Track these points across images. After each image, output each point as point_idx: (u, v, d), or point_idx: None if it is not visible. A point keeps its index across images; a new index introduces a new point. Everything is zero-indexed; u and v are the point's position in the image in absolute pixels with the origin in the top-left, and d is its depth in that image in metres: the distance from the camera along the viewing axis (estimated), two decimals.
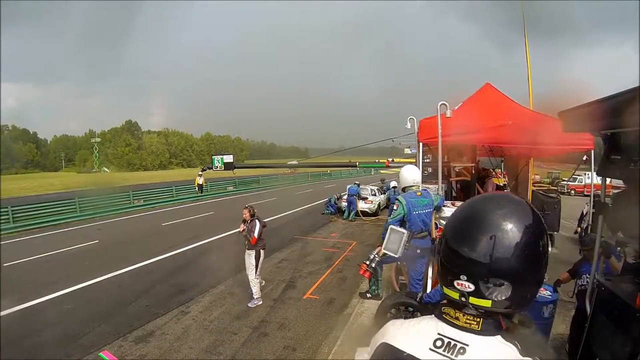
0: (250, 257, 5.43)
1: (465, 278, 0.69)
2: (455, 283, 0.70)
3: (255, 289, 5.49)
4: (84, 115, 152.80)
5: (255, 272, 5.43)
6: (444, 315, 0.72)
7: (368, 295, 5.33)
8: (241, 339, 4.45)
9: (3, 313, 5.15)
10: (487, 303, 0.68)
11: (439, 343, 0.68)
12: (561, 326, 3.74)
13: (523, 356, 0.65)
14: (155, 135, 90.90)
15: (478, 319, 0.69)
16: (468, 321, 0.69)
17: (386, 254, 3.88)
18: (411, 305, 3.14)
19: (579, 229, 9.03)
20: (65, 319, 5.03)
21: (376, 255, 3.87)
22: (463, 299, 0.70)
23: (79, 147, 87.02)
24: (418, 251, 3.64)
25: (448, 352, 0.66)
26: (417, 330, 0.72)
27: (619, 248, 2.13)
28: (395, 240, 1.79)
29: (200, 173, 20.40)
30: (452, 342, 0.67)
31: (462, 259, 0.69)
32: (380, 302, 3.92)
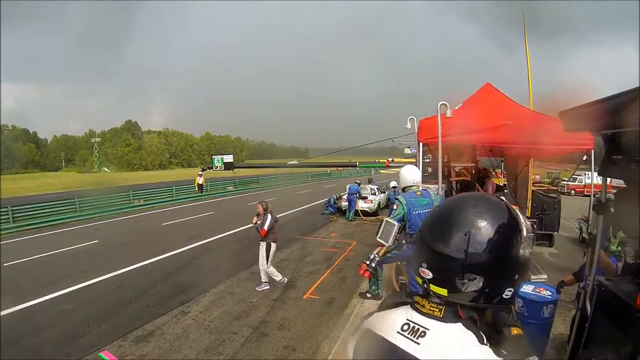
0: (262, 248, 5.91)
1: (426, 266, 0.76)
2: (420, 270, 0.78)
3: (264, 276, 6.00)
4: (84, 115, 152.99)
5: (267, 263, 5.92)
6: (415, 304, 0.78)
7: (368, 295, 5.33)
8: (241, 339, 4.45)
9: (3, 313, 5.14)
10: (443, 291, 0.74)
11: (405, 327, 0.75)
12: (561, 326, 3.74)
13: (481, 344, 0.68)
14: (155, 135, 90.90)
15: (441, 307, 0.74)
16: (432, 309, 0.75)
17: (386, 254, 3.91)
18: None
19: (586, 236, 9.05)
20: (65, 319, 5.03)
21: (376, 255, 3.87)
22: (425, 285, 0.77)
23: (79, 147, 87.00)
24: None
25: (411, 335, 0.73)
26: (392, 317, 0.79)
27: (606, 244, 2.16)
28: (388, 231, 1.98)
29: (200, 173, 20.41)
30: (417, 327, 0.74)
31: (426, 250, 0.76)
32: (380, 302, 3.92)
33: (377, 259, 3.84)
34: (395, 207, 3.77)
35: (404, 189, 3.90)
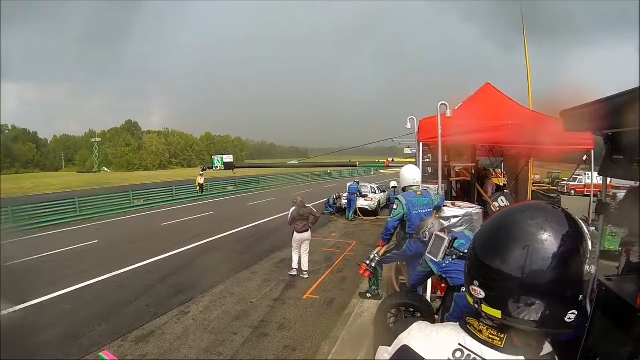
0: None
1: (478, 284, 0.68)
2: (471, 289, 0.70)
3: (294, 262, 6.71)
4: (84, 115, 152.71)
5: (292, 249, 6.70)
6: (467, 326, 0.70)
7: (368, 295, 5.33)
8: (241, 339, 4.45)
9: (3, 313, 5.14)
10: (497, 313, 0.65)
11: (458, 354, 0.66)
12: None
13: None
14: (155, 135, 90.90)
15: (502, 335, 0.66)
16: (491, 336, 0.66)
17: (386, 254, 3.89)
18: (412, 306, 3.14)
19: None
20: (65, 319, 5.03)
21: (376, 255, 3.87)
22: (476, 305, 0.68)
23: (79, 147, 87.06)
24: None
25: None
26: (439, 337, 0.71)
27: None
28: (438, 246, 1.90)
29: (201, 173, 20.37)
30: (472, 356, 0.65)
31: (482, 265, 0.68)
32: (380, 302, 3.92)
33: (377, 258, 3.84)
34: (395, 206, 3.78)
35: (404, 189, 3.90)
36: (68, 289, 6.14)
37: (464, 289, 0.85)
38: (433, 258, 1.92)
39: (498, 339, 0.66)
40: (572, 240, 0.63)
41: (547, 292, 0.62)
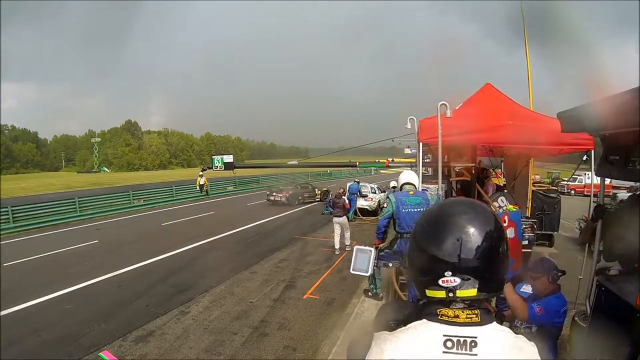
0: None
1: (450, 274, 0.71)
2: (440, 281, 0.72)
3: (335, 242, 8.43)
4: (84, 115, 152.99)
5: (334, 231, 8.47)
6: (440, 317, 0.71)
7: (369, 293, 5.35)
8: (241, 339, 4.45)
9: (3, 313, 5.15)
10: (473, 292, 0.71)
11: (449, 344, 0.67)
12: None
13: (517, 335, 0.70)
14: (155, 135, 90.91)
15: (476, 311, 0.71)
16: (469, 316, 0.70)
17: (380, 252, 3.90)
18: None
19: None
20: (65, 319, 5.03)
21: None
22: (451, 294, 0.71)
23: (79, 147, 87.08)
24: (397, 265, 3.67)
25: (462, 350, 0.67)
26: (420, 338, 0.70)
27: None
28: (363, 260, 1.83)
29: (200, 173, 20.07)
30: (462, 339, 0.67)
31: (442, 259, 0.73)
32: (379, 307, 3.92)
33: None
34: (385, 205, 3.83)
35: (401, 188, 3.96)
36: (68, 289, 6.15)
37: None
38: (363, 274, 1.85)
39: (475, 316, 0.70)
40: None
41: (502, 257, 0.74)
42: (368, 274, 1.84)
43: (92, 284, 6.46)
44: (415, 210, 3.69)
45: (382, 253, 3.94)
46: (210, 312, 5.23)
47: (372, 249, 1.82)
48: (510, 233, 4.05)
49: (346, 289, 6.07)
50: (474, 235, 0.71)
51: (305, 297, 5.80)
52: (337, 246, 8.37)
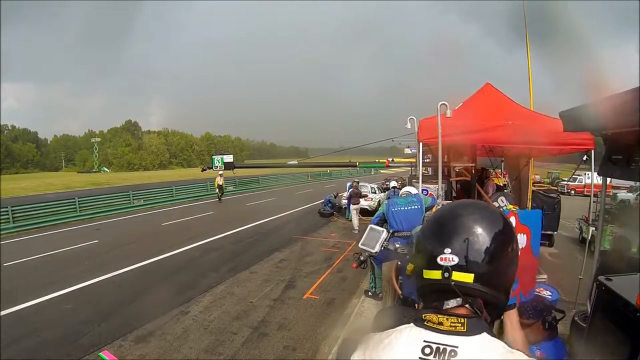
0: None
1: (450, 251, 0.69)
2: (438, 259, 0.70)
3: (354, 225, 10.91)
4: (84, 115, 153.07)
5: (352, 216, 11.17)
6: (425, 323, 0.69)
7: (369, 293, 5.35)
8: (241, 339, 4.45)
9: (3, 313, 5.14)
10: (469, 277, 0.68)
11: (427, 350, 0.65)
12: (560, 326, 3.73)
13: (513, 350, 0.66)
14: (155, 135, 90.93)
15: (462, 320, 0.67)
16: (453, 324, 0.67)
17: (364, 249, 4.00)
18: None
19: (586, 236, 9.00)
20: (65, 319, 5.03)
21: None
22: (446, 274, 0.69)
23: (79, 147, 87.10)
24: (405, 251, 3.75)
25: (439, 357, 0.64)
26: (400, 342, 0.68)
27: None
28: (372, 238, 1.89)
29: (220, 173, 17.08)
30: (442, 347, 0.65)
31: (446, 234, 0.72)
32: (377, 312, 3.93)
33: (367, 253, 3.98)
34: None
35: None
36: (68, 289, 6.14)
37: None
38: (368, 249, 1.89)
39: (460, 325, 0.67)
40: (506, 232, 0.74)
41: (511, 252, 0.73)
42: (374, 251, 1.88)
43: (92, 284, 6.46)
44: (404, 208, 4.02)
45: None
46: (210, 312, 5.23)
47: (384, 230, 1.84)
48: (521, 241, 3.97)
49: (346, 289, 6.07)
50: (478, 221, 0.72)
51: (305, 297, 5.80)
52: (355, 226, 10.76)
